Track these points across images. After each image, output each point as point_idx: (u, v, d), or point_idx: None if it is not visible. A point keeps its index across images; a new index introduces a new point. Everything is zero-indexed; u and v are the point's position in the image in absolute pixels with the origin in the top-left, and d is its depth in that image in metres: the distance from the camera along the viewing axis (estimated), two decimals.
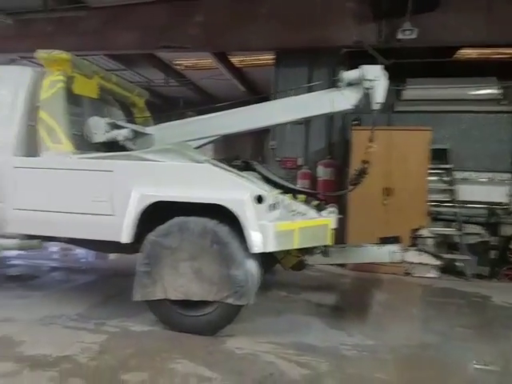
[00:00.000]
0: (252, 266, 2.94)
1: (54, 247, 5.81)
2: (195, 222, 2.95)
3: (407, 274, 5.15)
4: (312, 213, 3.13)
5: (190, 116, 4.17)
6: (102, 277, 4.77)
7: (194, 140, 3.85)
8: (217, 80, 9.83)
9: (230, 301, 2.85)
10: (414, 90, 6.10)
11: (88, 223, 3.15)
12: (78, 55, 3.66)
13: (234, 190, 2.90)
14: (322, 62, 6.35)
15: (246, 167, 3.69)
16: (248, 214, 2.80)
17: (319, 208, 3.29)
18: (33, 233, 3.39)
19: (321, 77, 5.86)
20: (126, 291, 3.55)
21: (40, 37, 7.18)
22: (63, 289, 4.21)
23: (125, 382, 2.35)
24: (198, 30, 6.54)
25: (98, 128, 3.66)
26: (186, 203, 2.94)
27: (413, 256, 3.57)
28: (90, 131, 3.66)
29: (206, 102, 11.10)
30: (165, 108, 11.14)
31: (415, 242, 3.80)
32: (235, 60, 8.72)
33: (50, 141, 3.31)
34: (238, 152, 7.93)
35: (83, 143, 3.56)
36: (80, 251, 5.79)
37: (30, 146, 3.39)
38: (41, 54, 3.43)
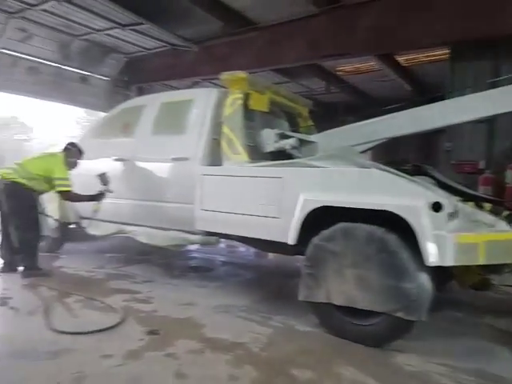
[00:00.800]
0: (425, 280, 2.69)
1: (222, 244, 6.29)
2: (361, 228, 2.86)
3: None
4: (502, 224, 2.71)
5: (350, 122, 4.12)
6: (263, 274, 5.10)
7: (359, 144, 3.80)
8: (380, 82, 9.50)
9: (399, 314, 2.67)
10: None
11: (259, 224, 3.41)
12: (249, 73, 4.00)
13: (407, 196, 2.71)
14: (510, 53, 5.45)
15: (417, 171, 3.44)
16: (423, 222, 2.58)
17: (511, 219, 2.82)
18: (213, 230, 3.84)
19: (509, 70, 5.02)
20: (286, 290, 3.74)
21: (218, 60, 8.22)
22: (233, 282, 4.62)
23: (294, 377, 2.44)
24: (364, 34, 6.42)
25: (269, 139, 3.96)
26: (350, 209, 2.90)
27: None
28: (262, 142, 3.99)
29: (366, 105, 10.86)
30: (324, 115, 11.33)
31: None
32: (402, 59, 8.27)
33: (230, 152, 3.74)
34: (402, 155, 7.41)
35: (256, 153, 3.88)
36: (243, 249, 6.25)
37: (214, 156, 3.87)
38: (224, 75, 3.90)
